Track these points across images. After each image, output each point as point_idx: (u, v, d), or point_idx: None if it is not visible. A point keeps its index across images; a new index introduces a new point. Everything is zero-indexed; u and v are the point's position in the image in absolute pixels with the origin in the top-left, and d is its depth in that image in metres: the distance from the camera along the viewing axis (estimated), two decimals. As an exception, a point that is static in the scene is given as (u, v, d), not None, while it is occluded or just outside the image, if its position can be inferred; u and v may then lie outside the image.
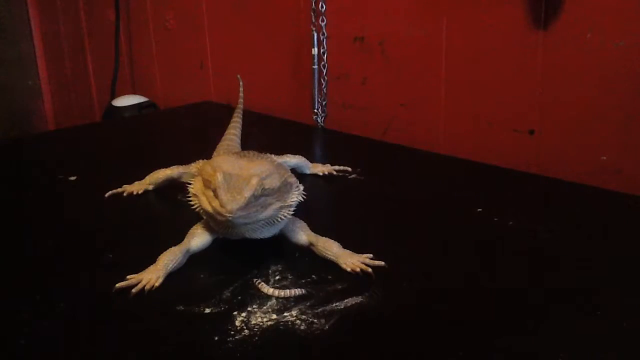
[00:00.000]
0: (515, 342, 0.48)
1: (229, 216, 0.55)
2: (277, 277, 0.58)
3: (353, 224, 0.73)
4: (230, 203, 0.55)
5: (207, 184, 0.59)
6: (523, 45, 0.91)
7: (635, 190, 0.78)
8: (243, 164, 0.59)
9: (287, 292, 0.55)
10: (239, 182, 0.56)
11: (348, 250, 0.61)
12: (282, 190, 0.60)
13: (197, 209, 0.62)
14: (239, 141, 0.90)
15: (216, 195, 0.56)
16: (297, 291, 0.55)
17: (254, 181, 0.56)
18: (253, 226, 0.59)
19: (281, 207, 0.60)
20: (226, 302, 0.54)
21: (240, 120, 0.95)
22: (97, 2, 1.83)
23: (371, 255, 0.60)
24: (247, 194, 0.55)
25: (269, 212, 0.58)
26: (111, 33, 1.72)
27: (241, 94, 0.99)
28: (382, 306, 0.54)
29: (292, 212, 0.62)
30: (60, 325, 0.52)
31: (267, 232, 0.62)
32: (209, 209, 0.58)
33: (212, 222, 0.61)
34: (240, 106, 0.98)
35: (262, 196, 0.57)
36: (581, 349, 0.47)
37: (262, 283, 0.56)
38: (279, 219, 0.60)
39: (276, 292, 0.55)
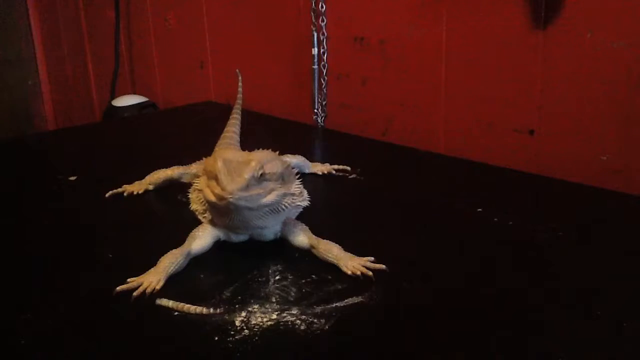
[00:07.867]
0: (515, 343, 0.48)
1: (230, 197, 0.55)
2: (277, 277, 0.58)
3: (352, 223, 0.73)
4: (230, 184, 0.55)
5: (209, 175, 0.59)
6: (523, 46, 0.91)
7: (635, 190, 0.78)
8: (243, 154, 0.61)
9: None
10: (239, 167, 0.57)
11: (349, 253, 0.60)
12: (285, 177, 0.61)
13: (200, 210, 0.62)
14: (238, 139, 0.90)
15: (217, 181, 0.56)
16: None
17: (253, 163, 0.57)
18: (257, 213, 0.59)
19: (284, 194, 0.60)
20: (226, 302, 0.54)
21: (239, 117, 0.93)
22: (97, 2, 1.83)
23: (372, 259, 0.59)
24: (247, 175, 0.56)
25: (271, 197, 0.58)
26: (111, 33, 1.72)
27: (240, 89, 0.97)
28: (382, 306, 0.54)
29: (295, 202, 0.62)
30: (60, 327, 0.52)
31: (271, 222, 0.61)
32: (212, 197, 0.57)
33: (216, 217, 0.61)
34: (239, 102, 0.96)
35: (264, 180, 0.57)
36: (581, 350, 0.47)
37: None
38: (283, 207, 0.60)
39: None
